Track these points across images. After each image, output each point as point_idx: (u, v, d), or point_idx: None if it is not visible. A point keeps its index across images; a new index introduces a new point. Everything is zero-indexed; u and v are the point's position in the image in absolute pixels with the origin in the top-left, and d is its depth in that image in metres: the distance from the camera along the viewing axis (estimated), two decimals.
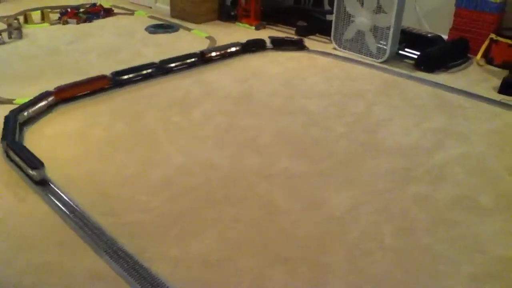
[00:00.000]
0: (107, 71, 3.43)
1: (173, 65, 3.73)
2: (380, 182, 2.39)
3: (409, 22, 4.34)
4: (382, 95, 3.39)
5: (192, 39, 4.57)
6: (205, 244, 1.96)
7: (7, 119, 2.72)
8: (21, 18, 4.75)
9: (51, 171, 2.37)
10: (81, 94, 3.24)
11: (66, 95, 3.17)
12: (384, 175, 2.45)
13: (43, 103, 3.01)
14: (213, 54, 3.96)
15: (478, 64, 3.94)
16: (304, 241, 1.99)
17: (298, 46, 4.29)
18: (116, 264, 1.84)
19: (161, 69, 3.65)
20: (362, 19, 3.99)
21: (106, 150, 2.63)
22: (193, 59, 3.84)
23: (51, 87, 3.11)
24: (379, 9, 3.85)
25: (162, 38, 4.57)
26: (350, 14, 4.08)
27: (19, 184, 2.30)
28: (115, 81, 3.40)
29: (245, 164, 2.53)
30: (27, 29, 4.63)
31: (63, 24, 4.88)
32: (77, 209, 2.13)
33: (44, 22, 4.86)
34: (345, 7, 4.08)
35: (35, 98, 3.00)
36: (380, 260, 1.89)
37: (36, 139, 2.72)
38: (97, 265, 1.83)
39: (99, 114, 3.02)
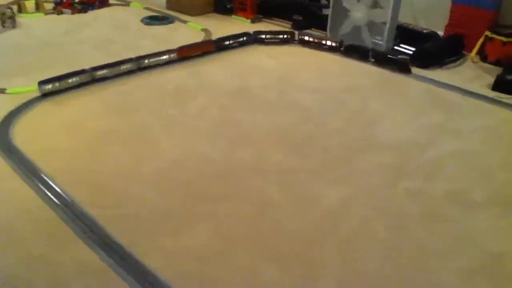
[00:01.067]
0: (101, 63, 3.40)
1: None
2: (373, 178, 2.39)
3: (405, 18, 4.33)
4: (377, 90, 3.39)
5: (187, 31, 4.54)
6: (198, 238, 1.96)
7: None
8: (15, 7, 4.70)
9: (43, 163, 2.36)
10: (193, 55, 3.80)
11: (185, 54, 3.74)
12: (377, 170, 2.45)
13: (164, 56, 3.62)
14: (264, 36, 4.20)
15: (473, 61, 3.95)
16: (297, 236, 1.99)
17: (402, 68, 3.67)
18: (107, 256, 1.83)
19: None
20: (358, 14, 3.98)
21: (99, 142, 2.61)
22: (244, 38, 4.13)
23: (43, 78, 3.08)
24: (375, 4, 3.85)
25: (158, 30, 4.54)
26: (346, 9, 4.07)
27: (11, 176, 2.29)
28: (218, 46, 3.92)
29: (239, 158, 2.53)
30: (21, 19, 4.59)
31: (58, 14, 4.83)
32: (69, 201, 2.13)
33: (38, 12, 4.81)
34: (341, 2, 4.06)
35: (159, 52, 3.60)
36: (372, 255, 1.90)
37: (28, 130, 2.70)
38: (89, 258, 1.83)
39: (92, 106, 3.00)
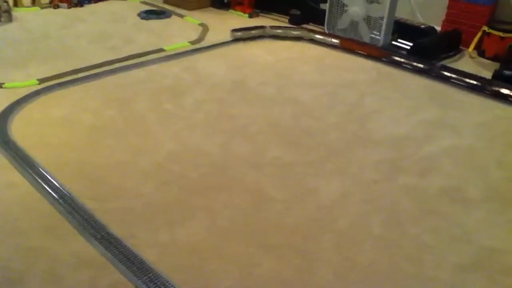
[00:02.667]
0: (98, 57, 3.40)
1: None
2: (369, 173, 2.40)
3: (403, 13, 4.33)
4: (374, 85, 3.39)
5: (184, 25, 4.53)
6: (194, 231, 1.96)
7: None
8: (11, 1, 4.67)
9: (41, 156, 2.36)
10: (356, 51, 3.83)
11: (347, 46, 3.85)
12: (373, 165, 2.46)
13: (329, 39, 3.94)
14: None
15: (470, 56, 3.96)
16: (293, 230, 2.00)
17: None
18: (104, 249, 1.84)
19: None
20: (356, 9, 3.97)
21: (95, 136, 2.61)
22: None
23: (40, 72, 3.08)
24: None
25: (155, 24, 4.52)
26: (344, 3, 4.06)
27: (8, 169, 2.29)
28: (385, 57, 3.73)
29: (235, 152, 2.53)
30: (17, 12, 4.56)
31: (54, 8, 4.81)
32: (66, 194, 2.13)
33: (34, 6, 4.78)
34: None
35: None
36: (367, 249, 1.91)
37: (25, 124, 2.69)
38: (86, 250, 1.83)
39: (88, 100, 3.00)
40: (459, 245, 1.95)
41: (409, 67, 3.59)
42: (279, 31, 4.14)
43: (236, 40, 4.09)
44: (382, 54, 3.75)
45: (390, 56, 3.70)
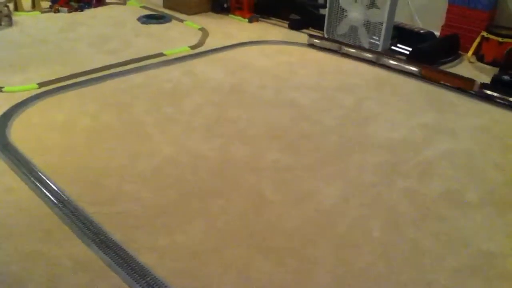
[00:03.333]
0: (97, 61, 3.41)
1: None
2: (368, 176, 2.40)
3: (402, 18, 4.35)
4: (373, 90, 3.40)
5: (184, 30, 4.55)
6: (192, 235, 1.96)
7: None
8: (11, 5, 4.70)
9: (40, 160, 2.36)
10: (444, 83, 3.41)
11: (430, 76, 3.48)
12: (372, 169, 2.46)
13: (408, 66, 3.60)
14: None
15: (469, 61, 3.97)
16: (291, 233, 2.00)
17: None
18: (103, 253, 1.84)
19: None
20: (355, 14, 3.99)
21: (94, 140, 2.62)
22: None
23: (39, 76, 3.09)
24: (372, 4, 3.86)
25: (154, 29, 4.54)
26: (343, 9, 4.08)
27: (7, 173, 2.29)
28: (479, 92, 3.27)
29: (234, 156, 2.53)
30: (17, 17, 4.58)
31: (54, 12, 4.84)
32: (65, 198, 2.13)
33: (35, 10, 4.80)
34: (338, 2, 4.08)
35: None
36: (366, 253, 1.91)
37: (23, 128, 2.70)
38: (84, 254, 1.83)
39: (87, 104, 3.01)
40: (457, 249, 1.95)
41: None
42: (352, 50, 3.93)
43: (311, 45, 4.15)
44: (471, 87, 3.31)
45: (482, 92, 3.24)
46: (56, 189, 2.18)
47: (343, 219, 2.09)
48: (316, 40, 4.13)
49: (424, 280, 1.79)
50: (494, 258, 1.91)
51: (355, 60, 3.92)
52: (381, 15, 3.83)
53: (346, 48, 3.95)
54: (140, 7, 5.19)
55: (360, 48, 3.96)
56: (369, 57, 3.82)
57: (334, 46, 4.03)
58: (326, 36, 4.27)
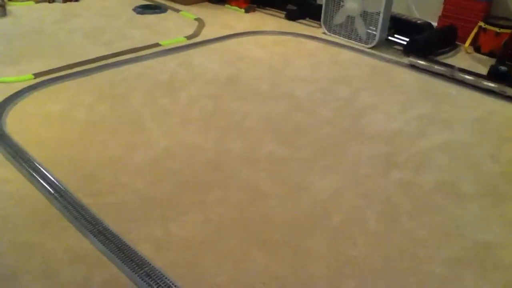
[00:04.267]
0: (93, 52, 3.38)
1: None
2: (363, 168, 2.40)
3: (399, 8, 4.33)
4: (369, 81, 3.39)
5: (180, 20, 4.52)
6: (188, 227, 1.97)
7: None
8: None
9: (35, 151, 2.35)
10: None
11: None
12: (367, 160, 2.46)
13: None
14: None
15: (466, 52, 3.96)
16: (287, 225, 2.01)
17: None
18: (100, 244, 1.84)
19: None
20: (352, 4, 3.97)
21: (90, 131, 2.61)
22: None
23: (35, 67, 3.07)
24: None
25: (150, 19, 4.51)
26: None
27: (2, 164, 2.28)
28: None
29: (230, 148, 2.53)
30: (11, 7, 4.54)
31: (49, 2, 4.79)
32: (61, 189, 2.12)
33: (29, 0, 4.76)
34: None
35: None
36: (362, 245, 1.92)
37: (19, 119, 2.68)
38: (81, 245, 1.83)
39: (82, 95, 2.99)
40: (452, 239, 1.96)
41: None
42: (469, 77, 3.35)
43: (412, 66, 3.59)
44: None
45: None
46: (52, 179, 2.18)
47: (338, 210, 2.10)
48: (421, 62, 3.53)
49: (419, 270, 1.80)
50: (489, 248, 1.92)
51: (351, 50, 3.91)
52: (378, 5, 3.81)
53: (461, 74, 3.39)
54: None
55: (477, 75, 3.36)
56: (490, 86, 3.26)
57: (442, 70, 3.47)
58: (325, 30, 4.26)
